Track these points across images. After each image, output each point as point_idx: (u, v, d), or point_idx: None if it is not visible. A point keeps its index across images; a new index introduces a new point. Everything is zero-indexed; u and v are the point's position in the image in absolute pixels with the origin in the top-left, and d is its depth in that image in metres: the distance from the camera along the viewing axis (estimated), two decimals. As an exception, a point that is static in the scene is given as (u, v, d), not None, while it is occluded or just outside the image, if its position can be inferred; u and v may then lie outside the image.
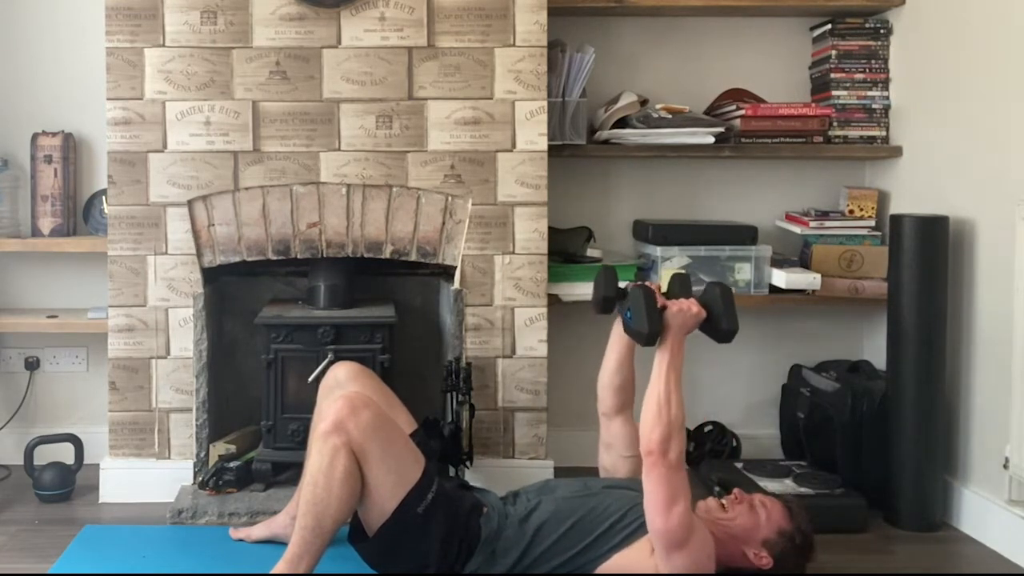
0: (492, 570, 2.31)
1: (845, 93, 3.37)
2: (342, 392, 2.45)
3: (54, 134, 3.32)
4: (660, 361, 2.25)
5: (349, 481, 2.22)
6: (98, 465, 3.08)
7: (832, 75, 3.38)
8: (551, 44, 3.11)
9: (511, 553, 2.32)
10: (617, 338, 2.57)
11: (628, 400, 2.60)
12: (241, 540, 2.72)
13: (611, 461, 2.59)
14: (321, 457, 2.24)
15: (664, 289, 2.40)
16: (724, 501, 2.36)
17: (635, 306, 2.26)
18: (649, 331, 2.22)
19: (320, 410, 2.61)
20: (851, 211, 3.40)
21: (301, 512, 2.26)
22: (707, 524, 2.29)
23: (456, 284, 3.07)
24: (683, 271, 2.73)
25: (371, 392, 2.52)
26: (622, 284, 2.49)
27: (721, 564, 2.29)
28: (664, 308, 2.26)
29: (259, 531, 2.72)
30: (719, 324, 2.30)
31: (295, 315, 3.03)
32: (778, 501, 2.38)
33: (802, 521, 2.33)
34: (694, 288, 2.39)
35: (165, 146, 3.02)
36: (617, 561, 2.26)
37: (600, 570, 2.27)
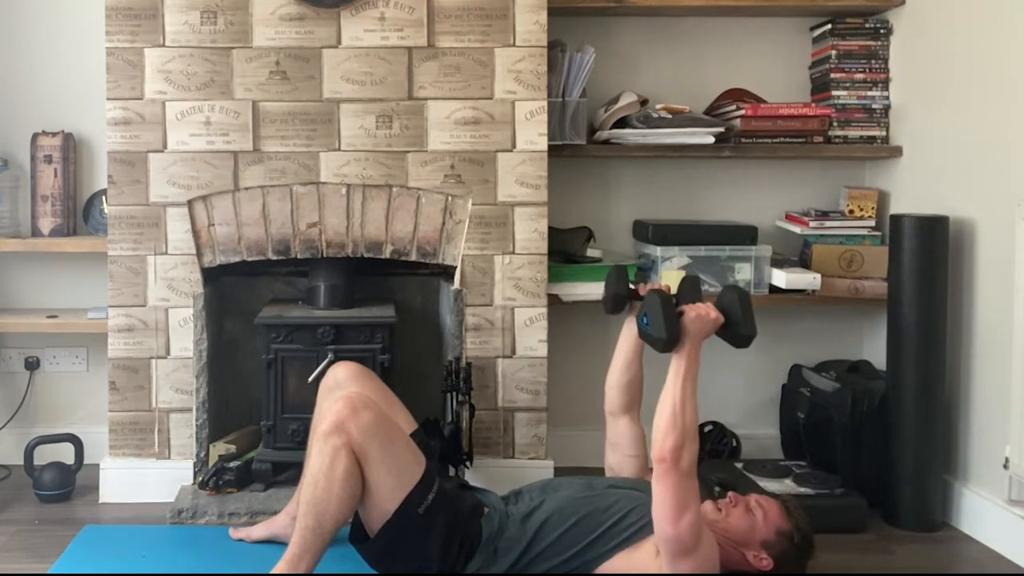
0: (493, 569, 2.31)
1: (845, 93, 3.37)
2: (342, 392, 2.45)
3: (54, 134, 3.32)
4: (676, 368, 2.19)
5: (350, 482, 2.23)
6: (98, 465, 3.08)
7: (832, 75, 3.38)
8: (551, 44, 3.11)
9: (512, 552, 2.32)
10: (626, 338, 2.55)
11: (635, 399, 2.59)
12: (241, 540, 2.72)
13: (617, 460, 2.58)
14: (322, 458, 2.24)
15: (674, 291, 2.37)
16: (719, 504, 2.35)
17: (652, 312, 2.21)
18: (667, 338, 2.18)
19: (320, 410, 2.61)
20: (851, 211, 3.40)
21: (301, 512, 2.26)
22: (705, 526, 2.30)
23: (456, 284, 3.07)
24: (694, 274, 2.69)
25: (371, 392, 2.52)
26: (634, 285, 2.49)
27: (722, 568, 2.29)
28: (681, 314, 2.22)
29: (259, 531, 2.72)
30: (738, 329, 2.25)
31: (295, 315, 3.03)
32: (774, 501, 2.37)
33: (800, 520, 2.33)
34: (710, 290, 2.38)
35: (165, 146, 3.02)
36: (620, 562, 2.25)
37: (601, 570, 2.26)
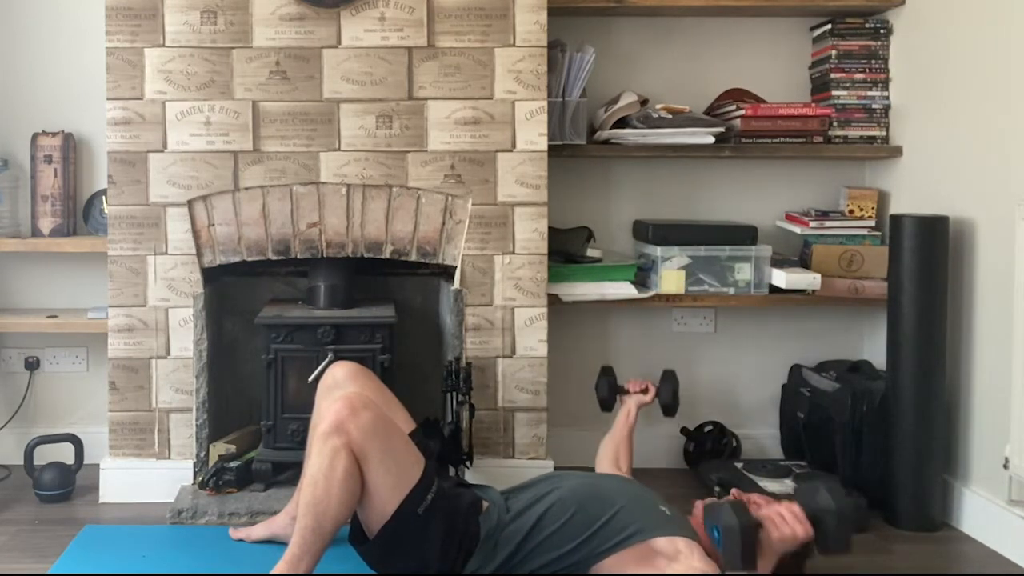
0: (492, 562, 2.31)
1: (845, 93, 3.37)
2: (341, 392, 2.44)
3: (54, 134, 3.32)
4: None
5: (349, 482, 2.22)
6: (98, 465, 3.08)
7: (832, 75, 3.38)
8: (551, 44, 3.11)
9: (512, 542, 2.31)
10: (619, 428, 2.84)
11: (627, 466, 2.80)
12: (241, 540, 2.72)
13: None
14: (321, 458, 2.24)
15: (652, 392, 2.61)
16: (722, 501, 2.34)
17: (726, 535, 1.96)
18: (744, 567, 1.96)
19: (319, 410, 2.61)
20: (851, 211, 3.40)
21: (301, 513, 2.25)
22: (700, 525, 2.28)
23: (456, 284, 3.07)
24: (671, 369, 2.95)
25: (370, 392, 2.51)
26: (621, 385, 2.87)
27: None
28: (759, 526, 1.96)
29: (259, 531, 2.72)
30: (826, 547, 1.99)
31: (295, 315, 3.03)
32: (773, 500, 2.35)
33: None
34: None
35: (165, 146, 3.02)
36: (613, 562, 2.25)
37: (595, 569, 2.26)
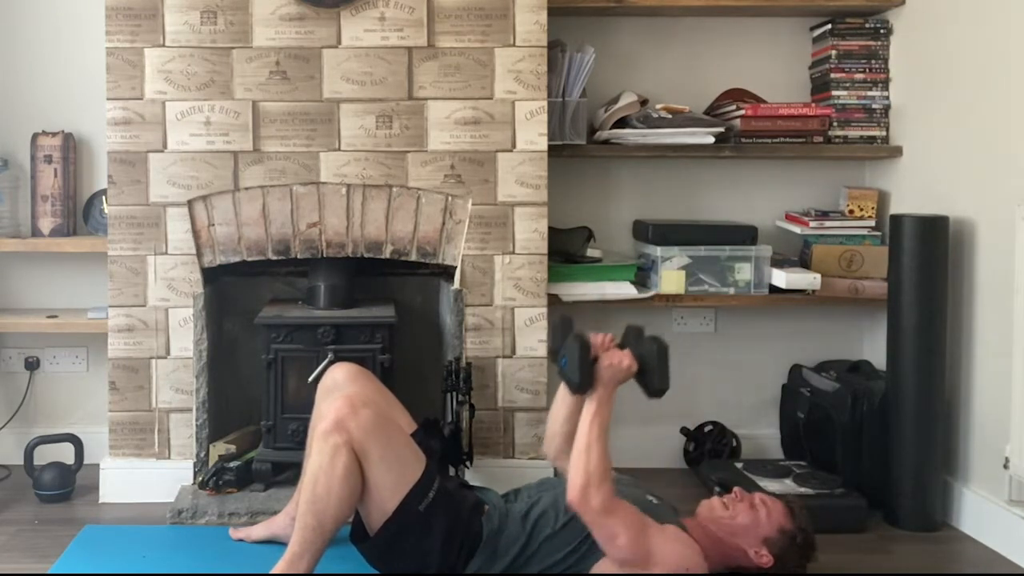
0: (493, 568, 2.31)
1: (845, 93, 3.37)
2: (341, 393, 2.45)
3: (54, 134, 3.32)
4: (587, 411, 2.25)
5: (350, 480, 2.22)
6: (98, 465, 3.08)
7: (832, 75, 3.38)
8: (551, 44, 3.11)
9: (512, 549, 2.32)
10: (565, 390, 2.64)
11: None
12: (241, 540, 2.72)
13: None
14: (321, 456, 2.24)
15: (618, 340, 2.43)
16: (725, 500, 2.37)
17: (570, 356, 2.27)
18: (580, 382, 2.24)
19: (319, 411, 2.60)
20: (851, 211, 3.40)
21: (301, 511, 2.25)
22: (708, 523, 2.32)
23: (456, 284, 3.07)
24: (638, 324, 2.64)
25: (371, 393, 2.52)
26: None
27: (722, 564, 2.30)
28: (596, 359, 2.25)
29: (259, 531, 2.72)
30: (651, 381, 2.30)
31: (295, 315, 3.03)
32: (779, 501, 2.39)
33: (803, 521, 2.34)
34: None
35: (165, 146, 3.02)
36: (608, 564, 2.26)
37: (596, 569, 2.26)
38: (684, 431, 3.44)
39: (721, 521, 2.31)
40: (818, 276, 3.20)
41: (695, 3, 3.30)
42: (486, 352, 3.08)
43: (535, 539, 2.32)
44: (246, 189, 3.03)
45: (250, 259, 3.06)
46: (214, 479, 2.96)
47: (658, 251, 3.23)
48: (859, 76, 3.38)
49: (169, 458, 3.07)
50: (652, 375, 2.29)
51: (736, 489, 2.40)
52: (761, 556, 2.29)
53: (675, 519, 2.32)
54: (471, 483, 2.64)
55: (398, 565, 2.33)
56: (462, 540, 2.31)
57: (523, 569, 2.32)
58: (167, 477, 3.03)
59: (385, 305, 3.16)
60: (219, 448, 3.04)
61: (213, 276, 3.11)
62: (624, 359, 2.25)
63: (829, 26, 3.39)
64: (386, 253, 3.06)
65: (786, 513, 2.34)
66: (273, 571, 2.24)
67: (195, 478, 3.03)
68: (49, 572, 2.53)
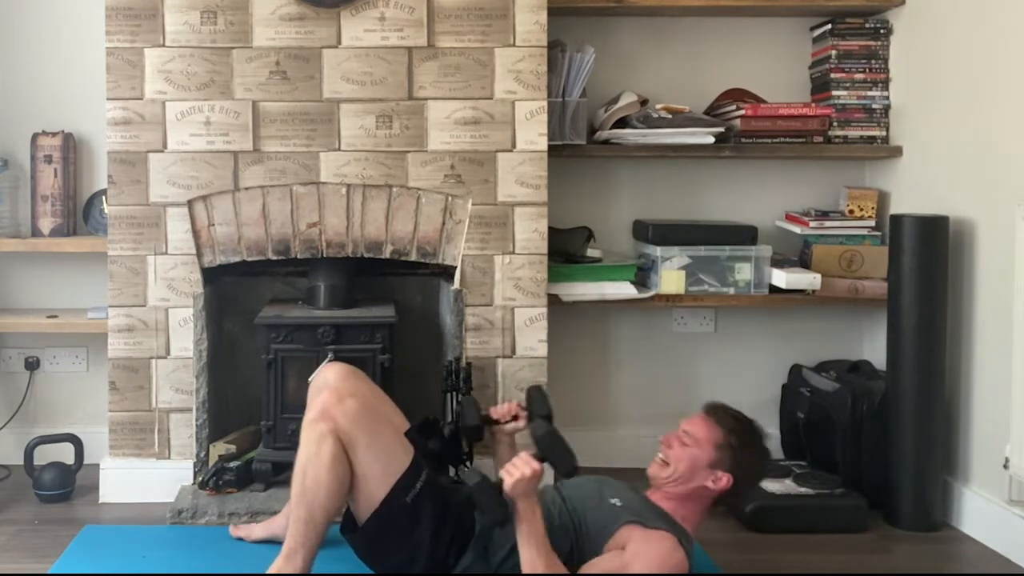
0: (485, 563, 2.30)
1: (845, 93, 3.37)
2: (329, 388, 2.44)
3: (54, 134, 3.32)
4: (519, 534, 2.15)
5: (336, 467, 2.22)
6: (98, 465, 3.08)
7: (832, 75, 3.38)
8: (551, 44, 3.11)
9: (504, 547, 2.31)
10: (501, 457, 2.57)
11: None
12: (241, 538, 2.72)
13: None
14: (308, 445, 2.24)
15: (523, 404, 2.43)
16: (659, 456, 2.35)
17: (479, 503, 2.18)
18: (502, 519, 2.16)
19: (309, 408, 2.60)
20: (851, 211, 3.40)
21: (294, 505, 2.26)
22: (663, 487, 2.30)
23: (456, 284, 3.07)
24: (537, 383, 2.69)
25: (360, 388, 2.50)
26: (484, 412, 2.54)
27: (702, 512, 2.31)
28: (500, 484, 2.14)
29: (259, 531, 2.72)
30: (560, 469, 2.24)
31: (295, 315, 3.03)
32: (696, 418, 2.36)
33: (727, 421, 2.32)
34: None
35: (165, 146, 3.02)
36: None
37: (585, 569, 2.25)
38: (684, 431, 3.43)
39: (669, 479, 2.30)
40: (818, 276, 3.20)
41: (695, 3, 3.30)
42: (486, 352, 3.08)
43: None
44: (246, 189, 3.03)
45: (250, 259, 3.06)
46: (214, 479, 2.96)
47: (658, 251, 3.23)
48: (859, 76, 3.38)
49: (169, 458, 3.07)
50: (558, 464, 2.22)
51: (662, 438, 2.37)
52: (719, 481, 2.27)
53: (640, 517, 2.25)
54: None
55: (386, 556, 2.32)
56: (452, 533, 2.30)
57: (517, 566, 2.31)
58: (167, 477, 3.03)
59: (385, 305, 3.16)
60: (219, 448, 3.04)
61: (213, 276, 3.11)
62: (525, 468, 2.13)
63: (829, 26, 3.39)
64: (386, 253, 3.06)
65: (710, 427, 2.31)
66: (270, 570, 2.24)
67: (195, 478, 3.03)
68: (49, 572, 2.53)
